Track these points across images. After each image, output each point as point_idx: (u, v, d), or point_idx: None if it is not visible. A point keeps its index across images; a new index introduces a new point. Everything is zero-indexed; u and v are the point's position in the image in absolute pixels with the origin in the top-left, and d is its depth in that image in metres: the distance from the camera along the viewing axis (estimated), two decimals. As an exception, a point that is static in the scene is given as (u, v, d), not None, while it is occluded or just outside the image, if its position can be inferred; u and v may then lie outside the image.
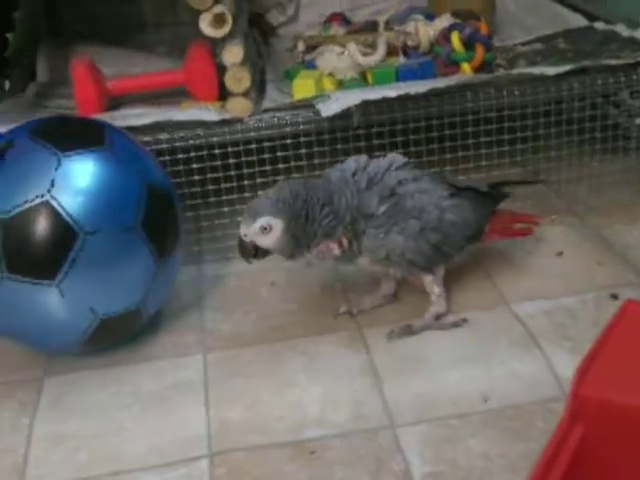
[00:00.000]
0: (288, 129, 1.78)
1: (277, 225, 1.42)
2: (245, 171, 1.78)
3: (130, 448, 1.34)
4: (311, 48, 2.13)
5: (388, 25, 2.18)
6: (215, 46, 1.87)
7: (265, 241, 1.44)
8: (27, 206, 1.37)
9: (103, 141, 1.46)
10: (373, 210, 1.47)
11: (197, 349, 1.57)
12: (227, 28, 1.73)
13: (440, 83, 1.78)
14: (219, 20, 1.73)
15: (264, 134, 1.77)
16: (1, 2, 2.39)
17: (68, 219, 1.38)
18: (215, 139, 1.76)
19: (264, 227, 1.42)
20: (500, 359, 1.46)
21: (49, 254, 1.38)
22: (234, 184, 1.79)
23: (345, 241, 1.48)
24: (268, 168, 1.77)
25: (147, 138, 1.74)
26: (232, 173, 1.78)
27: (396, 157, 1.56)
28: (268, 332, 1.60)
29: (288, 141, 1.77)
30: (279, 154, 1.77)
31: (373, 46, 2.01)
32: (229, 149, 1.76)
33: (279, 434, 1.34)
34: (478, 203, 1.58)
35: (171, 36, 2.44)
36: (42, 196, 1.37)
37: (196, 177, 1.76)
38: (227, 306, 1.69)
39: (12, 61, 2.37)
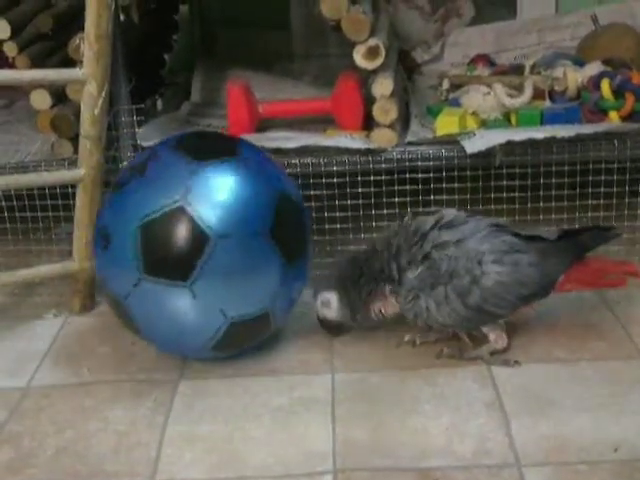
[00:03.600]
0: (430, 163, 1.81)
1: (333, 298, 1.59)
2: (385, 200, 1.82)
3: (257, 456, 1.38)
4: (455, 87, 2.16)
5: (534, 69, 2.19)
6: (365, 77, 1.92)
7: (331, 314, 1.61)
8: (164, 211, 1.45)
9: (236, 153, 1.53)
10: (395, 276, 1.53)
11: (325, 368, 1.60)
12: (380, 60, 1.79)
13: (588, 129, 1.78)
14: (373, 52, 1.78)
15: (407, 166, 1.81)
16: (162, 24, 2.54)
17: (201, 223, 1.44)
18: (359, 167, 1.81)
19: (322, 302, 1.61)
20: (633, 410, 1.43)
21: (183, 256, 1.45)
22: (373, 212, 1.83)
23: (392, 301, 1.56)
24: (408, 199, 1.80)
25: (293, 161, 1.81)
26: (372, 202, 1.82)
27: (446, 213, 1.57)
28: (395, 359, 1.62)
29: (430, 175, 1.80)
30: (420, 187, 1.80)
31: (519, 88, 2.02)
32: (371, 178, 1.81)
33: (403, 459, 1.35)
34: (547, 256, 1.53)
35: (317, 67, 2.52)
36: (177, 201, 1.45)
37: (337, 202, 1.81)
38: (355, 330, 1.72)
39: (167, 80, 2.50)
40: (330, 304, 1.59)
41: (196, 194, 1.45)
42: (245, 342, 1.60)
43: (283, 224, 1.51)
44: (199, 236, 1.44)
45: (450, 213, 1.56)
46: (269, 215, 1.49)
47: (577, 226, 1.66)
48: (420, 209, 1.84)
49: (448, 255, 1.51)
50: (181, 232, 1.45)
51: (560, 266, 1.55)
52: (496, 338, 1.58)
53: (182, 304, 1.47)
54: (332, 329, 1.65)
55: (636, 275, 1.61)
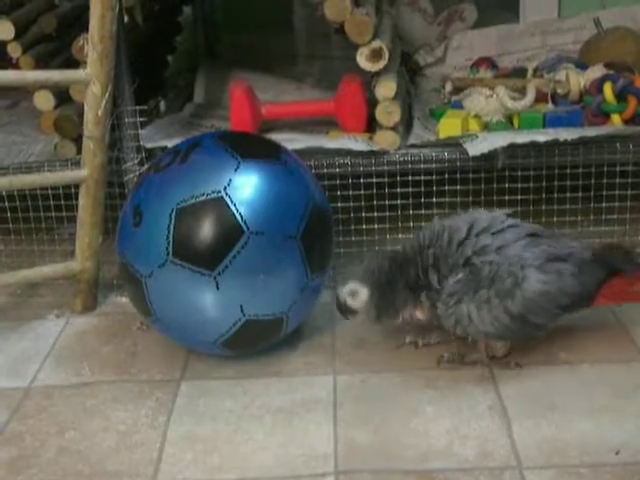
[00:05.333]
0: (433, 165, 1.81)
1: (362, 293, 1.56)
2: (387, 203, 1.82)
3: (258, 457, 1.38)
4: (458, 89, 2.17)
5: (536, 72, 2.19)
6: (368, 80, 1.92)
7: (353, 304, 1.58)
8: (202, 198, 1.47)
9: (279, 157, 1.56)
10: (436, 285, 1.51)
11: (327, 370, 1.60)
12: (383, 63, 1.79)
13: (590, 132, 1.78)
14: (376, 55, 1.78)
15: (409, 168, 1.81)
16: (165, 26, 2.55)
17: (238, 216, 1.46)
18: (361, 169, 1.81)
19: (351, 292, 1.57)
20: (634, 413, 1.43)
21: (214, 246, 1.47)
22: (374, 214, 1.83)
23: (426, 307, 1.54)
24: (410, 202, 1.80)
25: (297, 162, 1.81)
26: (374, 203, 1.82)
27: (478, 217, 1.53)
28: (397, 361, 1.62)
29: (433, 177, 1.80)
30: (423, 189, 1.80)
31: (522, 91, 2.02)
32: (374, 180, 1.81)
33: (404, 461, 1.35)
34: (585, 269, 1.52)
35: (320, 68, 2.52)
36: (218, 192, 1.47)
37: (339, 204, 1.81)
38: (358, 332, 1.72)
39: (169, 82, 2.51)
40: (358, 297, 1.56)
41: (238, 188, 1.48)
42: (254, 343, 1.61)
43: (313, 233, 1.53)
44: (234, 229, 1.46)
45: (484, 218, 1.53)
46: (302, 222, 1.52)
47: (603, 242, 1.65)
48: (422, 212, 1.85)
49: (489, 261, 1.48)
50: (217, 222, 1.47)
51: (594, 282, 1.54)
52: (500, 345, 1.58)
53: (203, 293, 1.49)
54: (346, 313, 1.61)
55: None
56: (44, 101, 1.97)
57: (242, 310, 1.50)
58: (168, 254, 1.47)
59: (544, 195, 1.82)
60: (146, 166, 1.74)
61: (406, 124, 1.99)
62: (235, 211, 1.46)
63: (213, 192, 1.47)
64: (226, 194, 1.47)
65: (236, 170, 1.49)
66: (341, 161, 1.82)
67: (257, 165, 1.52)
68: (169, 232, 1.47)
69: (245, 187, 1.49)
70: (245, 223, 1.46)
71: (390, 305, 1.56)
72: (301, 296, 1.55)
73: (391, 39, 1.94)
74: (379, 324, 1.61)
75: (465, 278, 1.49)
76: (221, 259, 1.46)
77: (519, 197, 1.82)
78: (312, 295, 1.61)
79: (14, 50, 2.01)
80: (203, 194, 1.47)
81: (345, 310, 1.60)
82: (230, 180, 1.48)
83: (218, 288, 1.47)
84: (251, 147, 1.57)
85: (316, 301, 1.66)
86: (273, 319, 1.54)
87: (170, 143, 1.79)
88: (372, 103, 1.88)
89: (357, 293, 1.56)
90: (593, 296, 1.55)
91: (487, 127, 1.96)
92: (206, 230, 1.46)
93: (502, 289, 1.48)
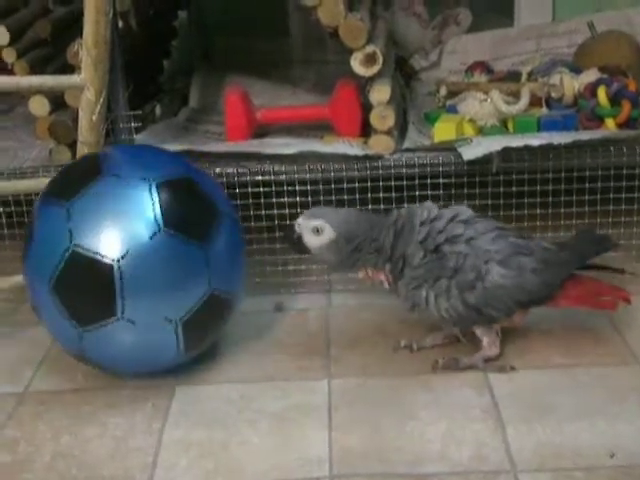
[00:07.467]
0: (428, 169, 1.81)
1: (328, 234, 1.51)
2: (382, 207, 1.82)
3: (253, 462, 1.38)
4: (453, 93, 2.17)
5: (531, 76, 2.20)
6: (362, 84, 1.93)
7: (311, 241, 1.52)
8: (62, 265, 1.45)
9: (100, 170, 1.51)
10: (415, 264, 1.52)
11: (322, 375, 1.60)
12: (377, 67, 1.79)
13: (584, 136, 1.79)
14: (370, 59, 1.78)
15: (404, 172, 1.81)
16: (161, 30, 2.55)
17: (97, 257, 1.44)
18: (356, 174, 1.82)
19: (317, 228, 1.50)
20: (629, 416, 1.43)
21: (100, 295, 1.45)
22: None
23: (390, 277, 1.55)
24: (405, 206, 1.80)
25: (291, 167, 1.81)
26: (369, 207, 1.83)
27: (460, 210, 1.57)
28: (393, 365, 1.62)
29: (427, 181, 1.80)
30: (417, 193, 1.81)
31: (516, 95, 2.03)
32: (368, 184, 1.81)
33: (399, 465, 1.35)
34: (549, 267, 1.55)
35: (315, 73, 2.52)
36: (68, 249, 1.45)
37: (334, 208, 1.81)
38: (354, 336, 1.72)
39: (165, 86, 2.51)
40: (320, 236, 1.51)
41: (80, 233, 1.44)
42: (212, 329, 1.58)
43: (173, 212, 1.47)
44: (102, 269, 1.44)
45: (465, 211, 1.56)
46: (156, 211, 1.46)
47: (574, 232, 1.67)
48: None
49: (458, 251, 1.51)
50: (86, 274, 1.45)
51: (560, 275, 1.57)
52: (489, 344, 1.58)
53: (129, 335, 1.48)
54: (291, 242, 1.55)
55: (627, 301, 1.62)
56: (39, 106, 1.97)
57: (169, 320, 1.48)
58: (76, 327, 1.48)
59: (538, 199, 1.83)
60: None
61: (401, 128, 1.99)
62: (92, 254, 1.43)
63: (65, 252, 1.45)
64: (75, 245, 1.44)
65: (69, 219, 1.46)
66: (336, 166, 1.83)
67: (83, 197, 1.47)
68: (61, 308, 1.47)
69: (85, 227, 1.45)
70: (106, 257, 1.43)
71: (352, 260, 1.54)
72: (211, 267, 1.49)
73: (385, 44, 1.95)
74: (334, 271, 1.59)
75: (430, 264, 1.51)
76: (114, 302, 1.44)
77: (514, 201, 1.83)
78: (226, 257, 1.54)
79: (9, 55, 2.01)
80: (60, 261, 1.45)
81: (296, 244, 1.53)
82: (70, 231, 1.45)
83: (134, 323, 1.46)
84: (71, 182, 1.52)
85: (242, 260, 1.59)
86: (207, 302, 1.50)
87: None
88: (367, 107, 1.88)
89: (321, 232, 1.50)
90: (554, 293, 1.57)
91: (482, 131, 1.97)
92: (85, 286, 1.46)
93: (464, 281, 1.51)
